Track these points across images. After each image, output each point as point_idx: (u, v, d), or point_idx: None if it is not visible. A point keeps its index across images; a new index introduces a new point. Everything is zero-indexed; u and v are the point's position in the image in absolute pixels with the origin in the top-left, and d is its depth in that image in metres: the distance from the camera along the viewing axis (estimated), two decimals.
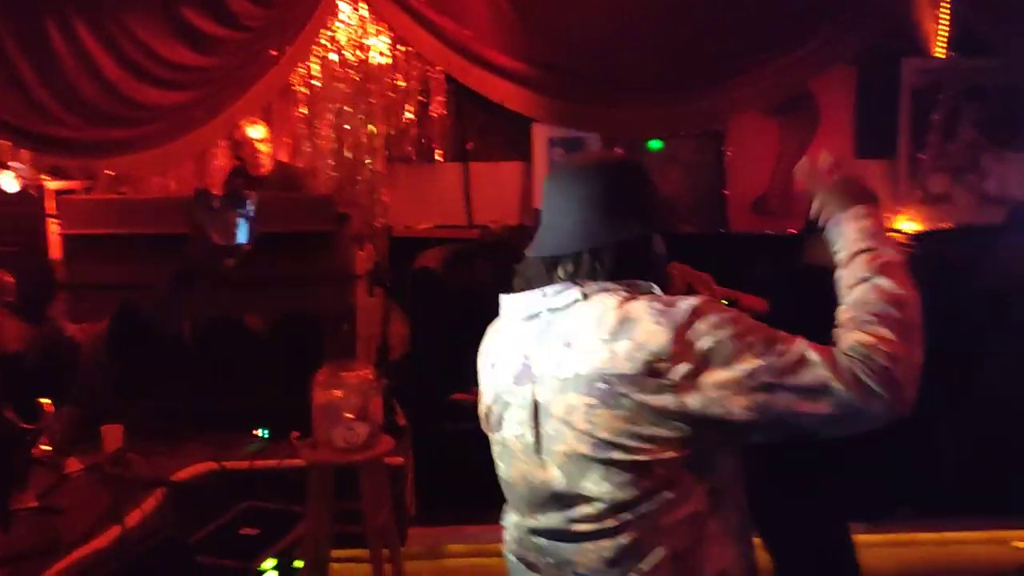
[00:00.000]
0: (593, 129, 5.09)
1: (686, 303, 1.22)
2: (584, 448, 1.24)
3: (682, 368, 1.17)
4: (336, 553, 3.18)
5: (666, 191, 5.37)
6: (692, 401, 1.17)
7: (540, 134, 5.15)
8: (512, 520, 1.45)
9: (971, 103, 5.34)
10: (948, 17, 5.10)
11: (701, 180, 5.38)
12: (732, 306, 2.30)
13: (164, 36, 4.67)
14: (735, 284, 4.63)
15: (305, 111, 4.96)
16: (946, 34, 5.16)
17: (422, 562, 3.55)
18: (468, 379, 4.21)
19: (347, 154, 5.00)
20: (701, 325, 1.19)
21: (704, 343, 1.18)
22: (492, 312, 4.76)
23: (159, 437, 3.62)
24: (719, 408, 1.17)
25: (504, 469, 1.42)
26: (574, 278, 1.30)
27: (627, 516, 1.25)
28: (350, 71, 4.95)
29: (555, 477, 1.29)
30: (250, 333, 4.04)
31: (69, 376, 3.43)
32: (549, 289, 1.31)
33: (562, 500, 1.29)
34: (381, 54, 4.97)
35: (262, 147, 4.48)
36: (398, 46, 4.98)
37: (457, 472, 3.77)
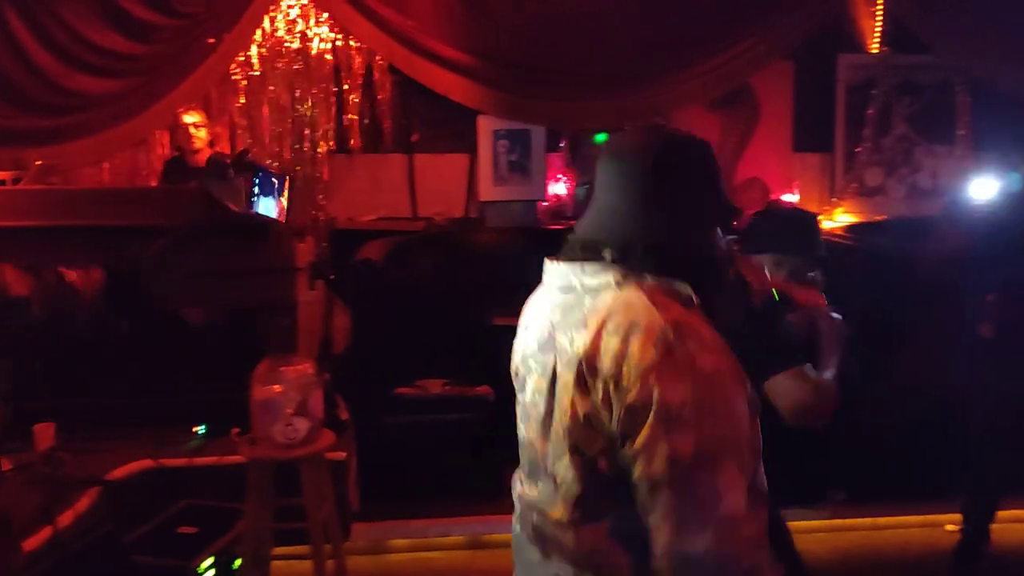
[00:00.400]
0: (539, 121, 5.09)
1: (686, 348, 1.16)
2: (561, 430, 1.25)
3: (639, 403, 1.15)
4: (278, 550, 3.15)
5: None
6: (628, 428, 1.17)
7: (485, 126, 5.13)
8: (516, 490, 1.42)
9: (903, 98, 5.48)
10: (882, 13, 5.21)
11: None
12: (783, 300, 2.20)
13: (95, 21, 4.52)
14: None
15: (244, 101, 4.86)
16: (880, 30, 5.28)
17: (366, 557, 3.53)
18: (411, 372, 4.21)
19: (287, 145, 4.91)
20: (681, 387, 1.15)
21: (671, 399, 1.15)
22: (436, 305, 4.78)
23: (94, 435, 3.53)
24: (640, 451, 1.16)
25: (522, 431, 1.39)
26: (618, 262, 1.26)
27: (582, 512, 1.23)
28: (291, 60, 4.86)
29: (548, 452, 1.29)
30: (188, 327, 3.97)
31: (71, 324, 3.37)
32: (589, 267, 1.28)
33: (549, 478, 1.29)
34: (323, 42, 4.90)
35: (198, 132, 4.41)
36: (341, 36, 4.90)
37: (400, 466, 3.77)
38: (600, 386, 1.19)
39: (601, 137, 5.36)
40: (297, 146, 4.94)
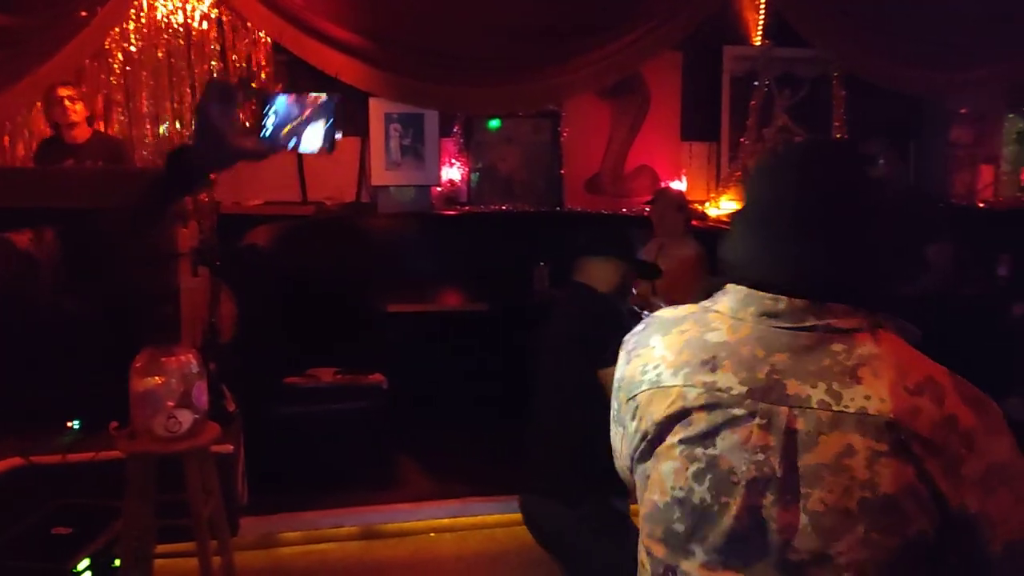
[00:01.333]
0: (431, 106, 5.04)
1: (992, 405, 1.06)
2: (852, 502, 1.01)
3: (976, 470, 1.02)
4: (161, 548, 3.03)
5: (505, 170, 5.43)
6: (969, 501, 1.02)
7: (377, 109, 5.05)
8: (671, 562, 1.13)
9: (784, 90, 5.70)
10: (765, 7, 5.40)
11: (539, 160, 5.46)
12: None
13: None
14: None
15: (121, 78, 4.61)
16: (763, 23, 5.47)
17: (255, 552, 3.44)
18: (302, 361, 4.11)
19: (167, 124, 4.70)
20: (1006, 440, 1.04)
21: (1002, 456, 1.03)
22: (327, 292, 4.67)
23: None
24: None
25: (696, 492, 1.09)
26: (857, 302, 1.09)
27: None
28: (172, 36, 4.64)
29: (802, 526, 1.02)
30: (61, 316, 3.75)
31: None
32: (834, 307, 1.08)
33: (795, 556, 1.03)
34: (205, 19, 4.70)
35: (74, 106, 4.19)
36: (225, 12, 4.72)
37: (291, 457, 3.69)
38: (918, 455, 1.00)
39: (494, 124, 5.37)
40: (176, 126, 4.73)
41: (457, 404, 4.05)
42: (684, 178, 5.60)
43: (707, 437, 1.08)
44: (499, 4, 4.79)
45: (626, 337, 1.25)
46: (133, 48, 4.59)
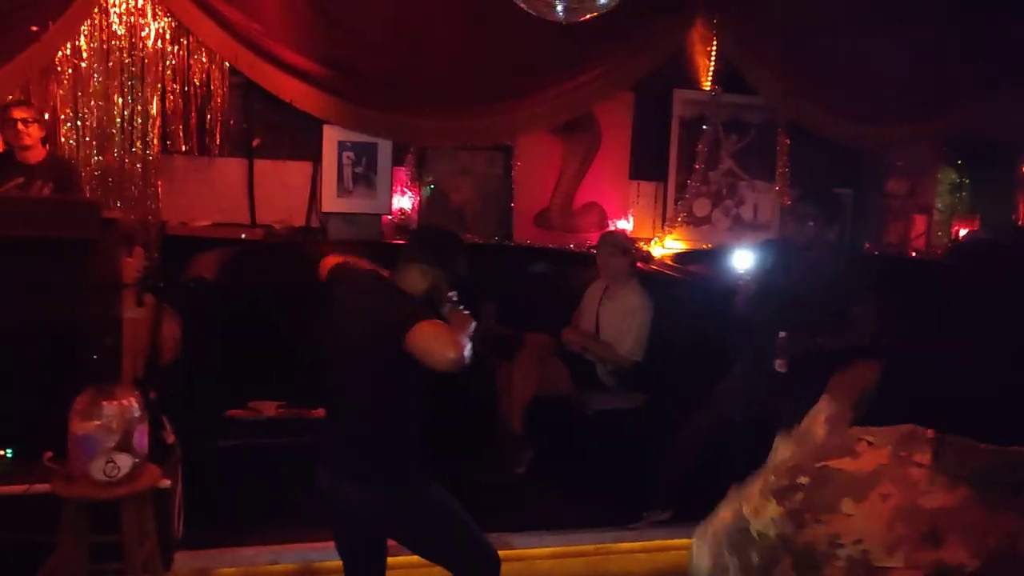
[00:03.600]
0: (386, 136, 5.07)
1: None
2: None
3: None
4: None
5: (457, 201, 5.47)
6: None
7: (331, 136, 5.05)
8: None
9: (731, 135, 5.86)
10: (716, 54, 5.55)
11: (491, 192, 5.52)
12: None
13: None
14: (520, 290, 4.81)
15: (68, 94, 4.53)
16: (713, 69, 5.62)
17: None
18: (244, 394, 4.08)
19: (116, 143, 4.63)
20: None
21: None
22: (272, 323, 4.64)
23: None
24: None
25: None
26: None
27: None
28: (123, 55, 4.58)
29: None
30: None
31: None
32: None
33: None
34: (159, 38, 4.65)
35: (27, 129, 4.12)
36: (179, 32, 4.67)
37: (230, 491, 3.66)
38: None
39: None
40: (128, 145, 4.66)
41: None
42: (631, 216, 5.71)
43: None
44: (457, 40, 4.85)
45: (765, 485, 1.01)
46: (83, 65, 4.51)
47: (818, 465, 0.99)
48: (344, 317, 2.70)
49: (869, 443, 0.98)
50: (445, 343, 2.32)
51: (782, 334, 3.56)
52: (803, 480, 0.98)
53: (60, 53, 4.44)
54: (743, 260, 3.85)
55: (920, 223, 6.33)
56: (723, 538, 1.00)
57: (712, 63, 5.59)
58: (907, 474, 0.94)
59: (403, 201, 5.32)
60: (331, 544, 3.66)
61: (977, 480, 0.91)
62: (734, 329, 4.05)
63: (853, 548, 0.92)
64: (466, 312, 2.62)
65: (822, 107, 5.50)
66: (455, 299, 2.64)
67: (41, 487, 3.02)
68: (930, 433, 0.95)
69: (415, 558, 2.83)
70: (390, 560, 2.86)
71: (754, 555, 0.96)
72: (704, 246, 5.76)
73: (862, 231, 6.13)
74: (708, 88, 5.64)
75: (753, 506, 0.99)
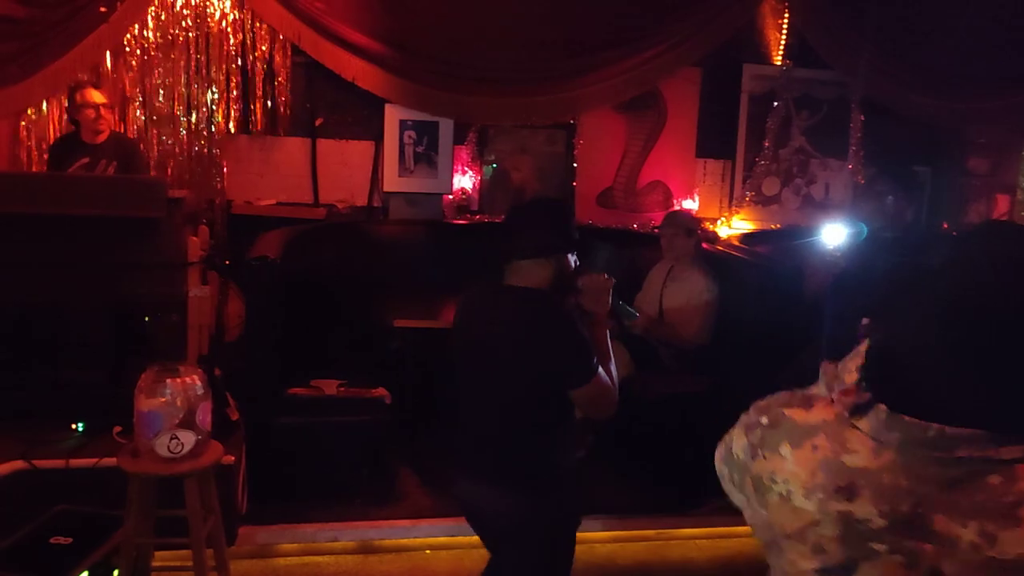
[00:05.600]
0: (447, 114, 5.03)
1: None
2: None
3: None
4: (159, 555, 3.04)
5: (517, 180, 5.41)
6: None
7: (392, 115, 5.03)
8: None
9: (802, 111, 5.66)
10: (788, 27, 5.36)
11: (551, 171, 5.44)
12: None
13: None
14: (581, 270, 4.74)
15: (138, 75, 4.61)
16: (785, 43, 5.43)
17: (251, 561, 3.45)
18: (306, 372, 4.11)
19: (184, 123, 4.70)
20: None
21: None
22: (335, 303, 4.61)
23: None
24: None
25: None
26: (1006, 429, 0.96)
27: None
28: (190, 34, 4.63)
29: None
30: (67, 316, 3.75)
31: None
32: (992, 434, 0.94)
33: None
34: (224, 19, 4.68)
35: (107, 114, 4.21)
36: (244, 12, 4.70)
37: (292, 469, 3.69)
38: None
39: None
40: (194, 125, 4.73)
41: (459, 422, 4.05)
42: (697, 195, 5.58)
43: (846, 572, 0.99)
44: (520, 16, 4.78)
45: (746, 418, 1.13)
46: (152, 45, 4.57)
47: (778, 410, 1.09)
48: (475, 330, 2.47)
49: (827, 400, 1.05)
50: (605, 406, 2.31)
51: (864, 320, 3.40)
52: (764, 420, 1.10)
53: (128, 35, 4.50)
54: (826, 240, 3.66)
55: (1003, 203, 6.03)
56: (722, 450, 1.17)
57: (784, 36, 5.40)
58: (842, 433, 1.02)
59: (464, 180, 5.28)
60: (389, 523, 3.70)
61: (905, 450, 0.97)
62: (805, 313, 3.91)
63: (782, 486, 1.05)
64: (604, 275, 2.47)
65: (901, 82, 5.27)
66: (580, 265, 2.44)
67: (109, 461, 3.08)
68: (883, 407, 1.00)
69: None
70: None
71: (734, 471, 1.14)
72: (773, 226, 5.59)
73: (940, 210, 5.88)
74: (779, 63, 5.45)
75: (733, 433, 1.14)
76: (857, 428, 1.01)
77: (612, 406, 2.32)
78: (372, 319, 4.10)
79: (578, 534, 3.55)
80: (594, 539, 3.75)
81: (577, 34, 4.91)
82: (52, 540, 2.87)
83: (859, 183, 5.55)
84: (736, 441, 1.13)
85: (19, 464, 3.21)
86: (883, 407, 1.00)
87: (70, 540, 2.87)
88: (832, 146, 5.70)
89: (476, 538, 3.77)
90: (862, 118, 5.60)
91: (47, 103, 4.53)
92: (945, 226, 5.86)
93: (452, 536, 3.64)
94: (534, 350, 2.29)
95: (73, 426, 3.51)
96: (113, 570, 2.86)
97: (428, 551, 3.62)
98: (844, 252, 3.60)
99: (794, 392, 1.12)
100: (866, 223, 3.88)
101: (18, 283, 3.43)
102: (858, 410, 1.02)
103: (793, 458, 1.05)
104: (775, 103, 5.55)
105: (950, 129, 5.72)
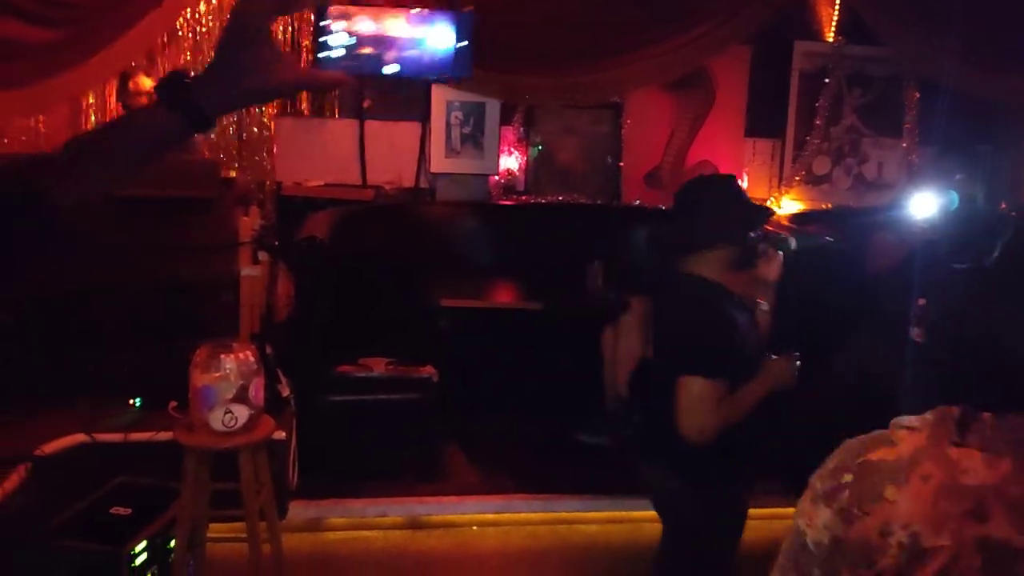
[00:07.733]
0: (493, 95, 5.03)
1: None
2: None
3: None
4: (213, 527, 3.12)
5: (563, 160, 5.39)
6: None
7: (439, 96, 5.05)
8: None
9: (854, 89, 5.54)
10: (840, 3, 5.23)
11: (598, 151, 5.41)
12: None
13: None
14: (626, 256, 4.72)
15: (191, 58, 4.68)
16: (837, 19, 5.31)
17: (302, 535, 3.52)
18: (355, 350, 4.16)
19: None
20: None
21: None
22: (382, 282, 4.67)
23: (21, 406, 3.42)
24: None
25: None
26: None
27: None
28: None
29: None
30: (123, 296, 3.85)
31: None
32: None
33: None
34: None
35: None
36: None
37: (340, 445, 3.75)
38: None
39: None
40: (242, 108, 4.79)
41: (505, 401, 4.08)
42: (746, 175, 5.50)
43: None
44: None
45: (815, 492, 1.00)
46: (205, 29, 4.64)
47: (859, 460, 0.98)
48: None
49: (909, 430, 0.97)
50: (693, 417, 2.27)
51: (921, 300, 3.34)
52: (847, 478, 0.97)
53: (180, 19, 4.56)
54: (915, 211, 3.56)
55: None
56: (785, 562, 1.00)
57: (836, 12, 5.28)
58: (946, 454, 0.93)
59: (510, 161, 5.28)
60: (437, 499, 3.74)
61: (1019, 453, 0.90)
62: (860, 293, 3.84)
63: (902, 533, 0.91)
64: (775, 252, 2.50)
65: (960, 58, 5.10)
66: (759, 242, 2.47)
67: (165, 435, 3.16)
68: (956, 411, 0.94)
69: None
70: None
71: (816, 570, 0.96)
72: (823, 206, 5.49)
73: (998, 190, 5.70)
74: (831, 39, 5.33)
75: (806, 517, 0.98)
76: (961, 445, 0.94)
77: (698, 426, 2.23)
78: (419, 299, 4.13)
79: (625, 512, 3.53)
80: (641, 518, 3.73)
81: (622, 12, 4.85)
82: (112, 510, 2.97)
83: (912, 162, 5.43)
84: (813, 524, 0.98)
85: (81, 437, 3.32)
86: (986, 414, 0.94)
87: (129, 511, 2.96)
88: (885, 125, 5.57)
89: (522, 515, 3.79)
90: (916, 95, 5.46)
91: (103, 88, 4.63)
92: (1003, 206, 5.70)
93: (499, 513, 3.68)
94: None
95: (131, 402, 3.61)
96: (170, 540, 2.95)
97: (475, 528, 3.65)
98: (936, 223, 3.52)
99: (852, 441, 1.02)
100: (957, 192, 3.77)
101: (76, 265, 3.52)
102: (961, 424, 0.95)
103: (904, 497, 0.93)
104: (826, 80, 5.44)
105: (1010, 106, 5.54)
